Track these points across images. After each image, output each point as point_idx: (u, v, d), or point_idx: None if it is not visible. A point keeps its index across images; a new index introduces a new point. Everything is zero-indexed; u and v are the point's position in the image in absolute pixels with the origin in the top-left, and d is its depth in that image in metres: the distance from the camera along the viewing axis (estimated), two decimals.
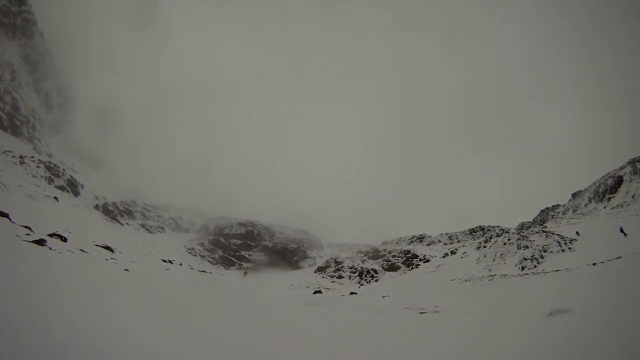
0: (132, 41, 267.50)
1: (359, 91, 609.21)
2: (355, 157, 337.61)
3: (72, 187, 74.69)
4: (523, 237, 58.24)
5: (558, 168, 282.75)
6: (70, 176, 76.11)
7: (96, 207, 76.93)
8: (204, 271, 54.78)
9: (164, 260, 54.44)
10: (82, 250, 25.91)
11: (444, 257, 77.27)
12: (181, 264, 58.03)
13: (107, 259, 28.08)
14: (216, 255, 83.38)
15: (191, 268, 56.81)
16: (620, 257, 31.92)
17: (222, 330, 9.08)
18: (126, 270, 23.24)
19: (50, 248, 19.84)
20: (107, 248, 35.40)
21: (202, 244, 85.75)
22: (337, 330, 12.56)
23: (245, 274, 35.22)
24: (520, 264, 51.48)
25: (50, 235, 25.72)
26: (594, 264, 33.58)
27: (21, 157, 66.65)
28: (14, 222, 24.11)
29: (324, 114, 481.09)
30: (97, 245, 34.84)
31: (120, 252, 39.35)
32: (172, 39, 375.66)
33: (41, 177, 67.18)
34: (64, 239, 27.16)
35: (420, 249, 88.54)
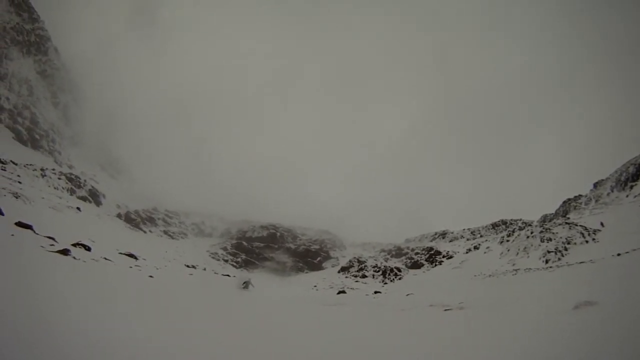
0: (139, 46, 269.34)
1: (379, 89, 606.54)
2: (375, 155, 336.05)
3: (94, 197, 75.43)
4: (546, 229, 57.47)
5: (582, 158, 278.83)
6: (92, 186, 76.97)
7: (118, 215, 77.51)
8: (228, 275, 54.82)
9: (188, 266, 54.69)
10: (106, 259, 25.98)
11: (467, 252, 76.68)
12: (205, 269, 58.29)
13: (131, 267, 28.22)
14: (239, 259, 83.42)
15: (215, 272, 57.00)
16: None
17: (246, 333, 9.02)
18: (150, 276, 23.29)
19: (74, 257, 19.90)
20: (131, 256, 35.52)
21: (225, 248, 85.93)
22: (361, 330, 12.39)
23: (245, 285, 33.92)
24: (544, 257, 50.80)
25: (74, 245, 25.82)
26: (619, 254, 33.08)
27: (42, 169, 67.30)
28: (37, 234, 24.17)
29: (343, 114, 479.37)
30: (120, 254, 34.98)
31: (144, 259, 39.50)
32: (177, 40, 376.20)
33: (63, 188, 67.84)
34: (88, 248, 27.24)
35: (443, 246, 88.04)
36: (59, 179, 69.47)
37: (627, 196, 62.81)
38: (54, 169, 71.92)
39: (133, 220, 78.31)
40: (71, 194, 68.67)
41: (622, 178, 66.59)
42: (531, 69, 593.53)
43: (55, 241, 23.68)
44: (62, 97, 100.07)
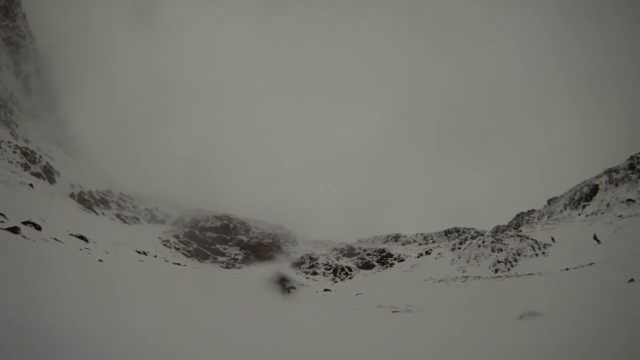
0: (126, 30, 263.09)
1: (346, 92, 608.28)
2: (337, 156, 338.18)
3: (48, 174, 73.84)
4: (497, 240, 59.57)
5: (541, 175, 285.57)
6: (47, 163, 75.19)
7: (72, 195, 75.75)
8: (178, 264, 54.85)
9: (138, 252, 54.46)
10: (57, 240, 26.05)
11: (418, 257, 78.60)
12: (155, 256, 58.04)
13: (81, 249, 28.21)
14: (191, 248, 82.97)
15: (165, 260, 56.88)
16: (592, 263, 33.14)
17: (194, 324, 9.22)
18: (100, 260, 23.40)
19: (24, 236, 20.06)
20: (82, 238, 35.51)
21: (177, 236, 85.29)
22: (310, 327, 12.83)
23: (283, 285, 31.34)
24: (494, 266, 52.66)
25: (25, 223, 25.91)
26: (567, 269, 34.80)
27: None
28: None
29: (311, 113, 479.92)
30: (71, 235, 34.94)
31: (95, 242, 39.34)
32: (151, 21, 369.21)
33: (17, 163, 66.43)
34: (39, 228, 27.32)
35: (395, 248, 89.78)
36: (14, 152, 67.92)
37: (579, 215, 65.69)
38: (9, 142, 70.27)
39: (86, 201, 76.77)
40: (25, 169, 67.22)
41: (576, 197, 69.63)
42: (505, 80, 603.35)
43: (6, 218, 23.81)
44: (24, 67, 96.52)
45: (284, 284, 34.25)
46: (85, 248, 30.32)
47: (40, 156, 74.98)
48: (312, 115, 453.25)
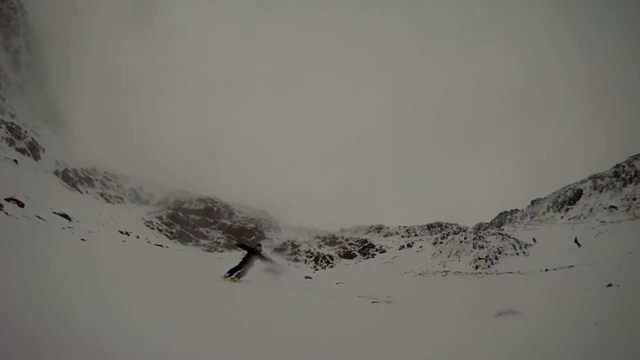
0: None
1: (342, 87, 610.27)
2: (328, 145, 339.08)
3: (33, 150, 73.35)
4: (479, 237, 60.79)
5: (529, 175, 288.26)
6: (32, 139, 74.65)
7: (56, 172, 75.59)
8: (161, 245, 55.05)
9: (121, 232, 54.56)
10: (40, 217, 26.12)
11: (400, 249, 79.74)
12: (138, 237, 58.02)
13: (63, 228, 28.18)
14: (174, 230, 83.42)
15: (148, 241, 56.90)
16: (572, 266, 33.73)
17: (172, 307, 9.39)
18: (82, 240, 23.54)
19: (6, 213, 20.12)
20: (65, 216, 35.60)
21: (160, 217, 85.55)
22: (288, 314, 13.18)
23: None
24: (474, 262, 53.83)
25: (8, 199, 26.02)
26: (547, 270, 35.40)
27: None
28: None
29: (304, 106, 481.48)
30: (54, 213, 34.96)
31: (78, 221, 39.42)
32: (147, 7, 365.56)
33: (2, 138, 66.01)
34: (21, 205, 27.43)
35: (377, 239, 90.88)
36: None
37: (561, 217, 67.30)
38: None
39: (70, 179, 76.69)
40: (10, 145, 66.81)
41: (560, 200, 71.28)
42: (505, 80, 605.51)
43: None
44: (14, 41, 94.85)
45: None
46: (68, 227, 30.34)
47: (26, 132, 74.57)
48: (305, 107, 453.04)
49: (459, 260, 57.51)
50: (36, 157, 73.55)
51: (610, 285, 14.40)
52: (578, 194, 69.69)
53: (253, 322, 9.76)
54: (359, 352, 7.20)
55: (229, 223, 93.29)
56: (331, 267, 76.88)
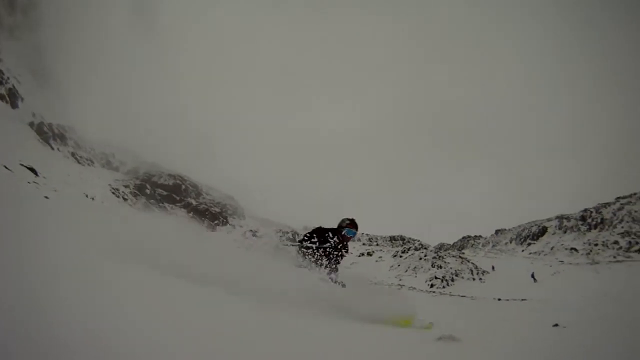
0: None
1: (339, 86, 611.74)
2: (310, 143, 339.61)
3: (12, 97, 72.87)
4: (439, 257, 62.23)
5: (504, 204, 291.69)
6: (13, 86, 74.16)
7: (31, 124, 74.43)
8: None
9: (86, 195, 54.56)
10: (6, 168, 26.42)
11: (359, 256, 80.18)
12: (103, 202, 57.91)
13: (29, 182, 28.49)
14: (138, 202, 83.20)
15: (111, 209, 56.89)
16: (525, 299, 35.01)
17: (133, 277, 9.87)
18: (46, 197, 23.85)
19: None
20: (32, 170, 35.89)
21: (127, 186, 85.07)
22: (235, 309, 13.69)
23: None
24: (430, 280, 55.15)
25: None
26: (499, 299, 36.73)
27: None
28: None
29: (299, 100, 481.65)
30: (22, 165, 35.16)
31: (44, 177, 39.54)
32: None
33: None
34: None
35: None
36: None
37: (522, 250, 69.67)
38: None
39: (44, 133, 75.64)
40: None
41: (524, 234, 73.80)
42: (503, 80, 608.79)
43: None
44: None
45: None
46: (34, 182, 30.74)
47: (8, 78, 73.90)
48: (299, 105, 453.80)
49: (416, 276, 58.70)
50: (14, 105, 72.91)
51: (556, 325, 15.15)
52: (542, 231, 72.03)
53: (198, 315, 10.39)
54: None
55: (194, 203, 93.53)
56: None
